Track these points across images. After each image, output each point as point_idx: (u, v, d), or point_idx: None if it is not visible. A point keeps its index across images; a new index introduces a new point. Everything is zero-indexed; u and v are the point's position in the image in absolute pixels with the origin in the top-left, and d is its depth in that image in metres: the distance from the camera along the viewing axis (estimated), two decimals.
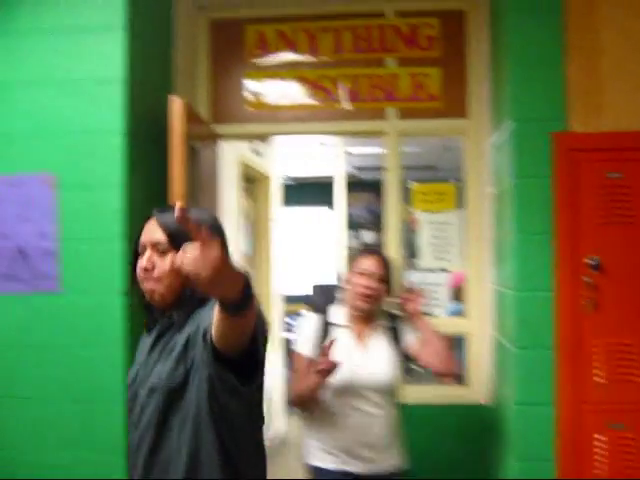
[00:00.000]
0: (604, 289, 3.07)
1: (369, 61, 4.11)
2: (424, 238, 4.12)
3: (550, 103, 3.15)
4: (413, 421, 3.71)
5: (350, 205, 11.61)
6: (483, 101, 3.96)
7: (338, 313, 3.14)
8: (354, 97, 4.10)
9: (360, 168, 11.14)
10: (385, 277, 3.04)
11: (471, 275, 4.05)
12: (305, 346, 3.06)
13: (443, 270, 4.19)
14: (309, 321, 3.14)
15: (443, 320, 3.99)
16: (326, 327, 3.08)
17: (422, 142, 8.33)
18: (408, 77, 4.08)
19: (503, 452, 3.48)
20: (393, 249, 4.05)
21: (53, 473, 3.13)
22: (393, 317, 3.15)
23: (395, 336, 3.09)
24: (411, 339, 3.07)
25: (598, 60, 3.19)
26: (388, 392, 3.01)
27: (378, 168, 10.28)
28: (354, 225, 12.48)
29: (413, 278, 4.10)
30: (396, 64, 4.10)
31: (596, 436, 3.09)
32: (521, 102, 3.18)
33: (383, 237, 4.18)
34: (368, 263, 3.03)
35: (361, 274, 3.02)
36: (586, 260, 3.07)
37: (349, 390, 2.94)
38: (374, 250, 3.20)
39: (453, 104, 4.07)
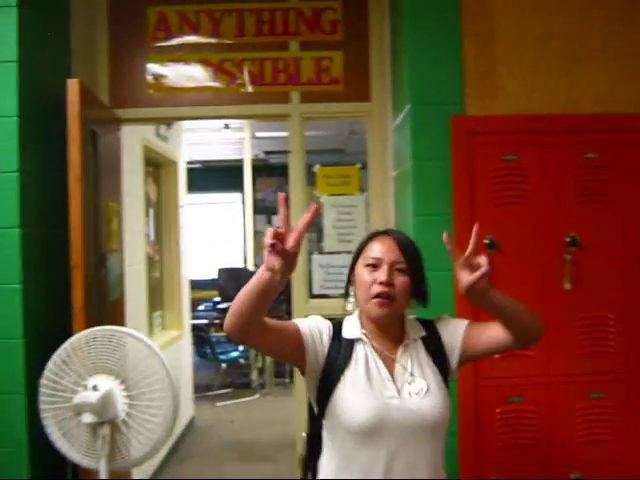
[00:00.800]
0: (500, 268, 3.16)
1: (272, 44, 4.10)
2: (329, 221, 4.16)
3: (447, 87, 3.22)
4: None
5: (260, 190, 11.70)
6: (385, 84, 4.01)
7: (352, 325, 2.14)
8: (258, 80, 4.09)
9: (269, 152, 11.14)
10: (407, 266, 2.08)
11: None
12: (302, 321, 2.13)
13: (349, 253, 4.24)
14: (321, 321, 2.15)
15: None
16: (339, 341, 2.09)
17: (330, 126, 8.39)
18: (311, 61, 4.09)
19: None
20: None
21: None
22: (426, 323, 2.21)
23: (435, 349, 2.13)
24: (460, 327, 2.18)
25: (493, 46, 3.28)
26: (436, 432, 2.04)
27: (287, 152, 10.29)
28: (265, 210, 12.49)
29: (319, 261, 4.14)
30: (299, 48, 4.10)
31: (497, 410, 3.20)
32: (419, 86, 3.23)
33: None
34: (378, 249, 2.09)
35: (370, 265, 2.07)
36: (483, 240, 3.16)
37: (379, 434, 1.97)
38: (387, 230, 2.20)
39: (356, 87, 4.10)
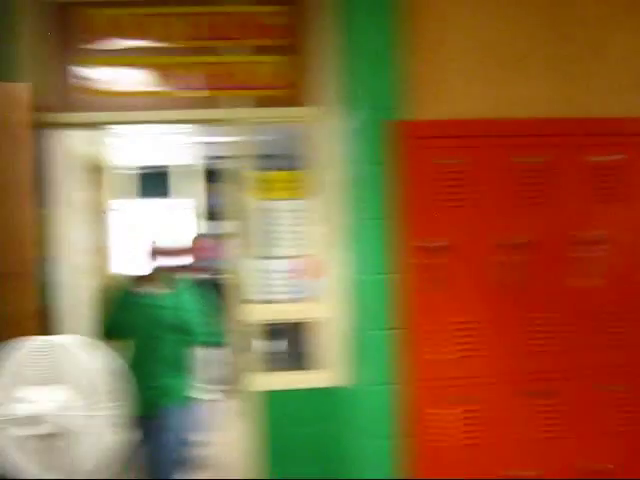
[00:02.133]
0: (443, 270, 3.17)
1: (214, 49, 4.03)
2: (271, 226, 4.10)
3: (391, 92, 3.21)
4: (272, 407, 3.73)
5: (208, 195, 11.54)
6: (331, 89, 3.96)
7: None
8: (200, 85, 4.01)
9: (212, 157, 11.02)
10: None
11: (320, 261, 4.07)
12: None
13: (294, 257, 4.20)
14: None
15: (290, 305, 4.04)
16: None
17: (273, 130, 8.34)
18: (257, 65, 4.03)
19: (349, 432, 3.54)
20: (240, 238, 4.03)
21: None
22: None
23: None
24: None
25: (438, 51, 3.28)
26: None
27: (236, 157, 10.13)
28: (213, 215, 12.30)
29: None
30: (250, 52, 4.03)
31: (436, 411, 3.20)
32: (362, 90, 3.22)
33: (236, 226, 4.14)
34: None
35: None
36: (423, 243, 3.16)
37: None
38: None
39: (301, 92, 4.06)
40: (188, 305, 4.08)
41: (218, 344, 4.34)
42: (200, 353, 4.14)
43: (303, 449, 3.95)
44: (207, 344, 4.19)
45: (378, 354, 3.19)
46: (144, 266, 4.07)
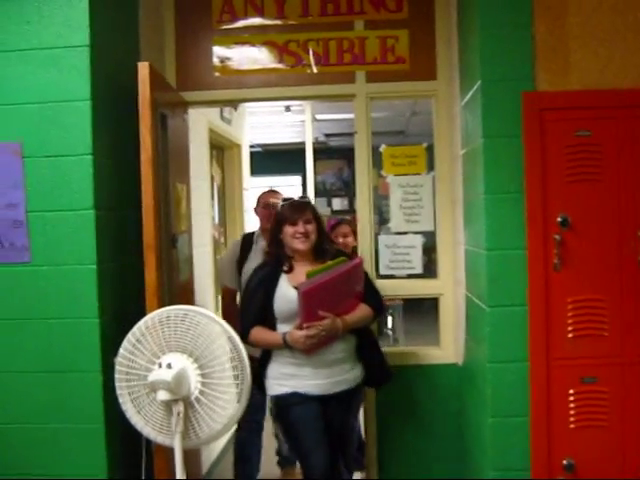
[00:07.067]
0: (574, 246, 3.11)
1: (337, 24, 4.08)
2: (395, 201, 4.14)
3: (518, 62, 3.15)
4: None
5: (319, 172, 11.68)
6: (452, 62, 3.96)
7: None
8: (323, 61, 4.07)
9: (329, 135, 11.11)
10: None
11: (442, 236, 4.08)
12: None
13: (416, 233, 4.21)
14: None
15: (415, 281, 4.07)
16: None
17: (391, 107, 8.34)
18: (376, 40, 4.06)
19: (476, 411, 3.54)
20: (365, 214, 4.07)
21: (33, 444, 3.14)
22: None
23: None
24: None
25: (565, 19, 3.18)
26: None
27: (347, 134, 10.20)
28: (325, 192, 12.48)
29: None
30: (364, 27, 4.07)
31: (570, 391, 3.14)
32: (490, 62, 3.17)
33: (355, 203, 4.19)
34: None
35: None
36: (553, 218, 3.10)
37: None
38: None
39: (422, 66, 4.07)
40: None
41: None
42: None
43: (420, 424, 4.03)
44: None
45: (508, 331, 3.16)
46: None
